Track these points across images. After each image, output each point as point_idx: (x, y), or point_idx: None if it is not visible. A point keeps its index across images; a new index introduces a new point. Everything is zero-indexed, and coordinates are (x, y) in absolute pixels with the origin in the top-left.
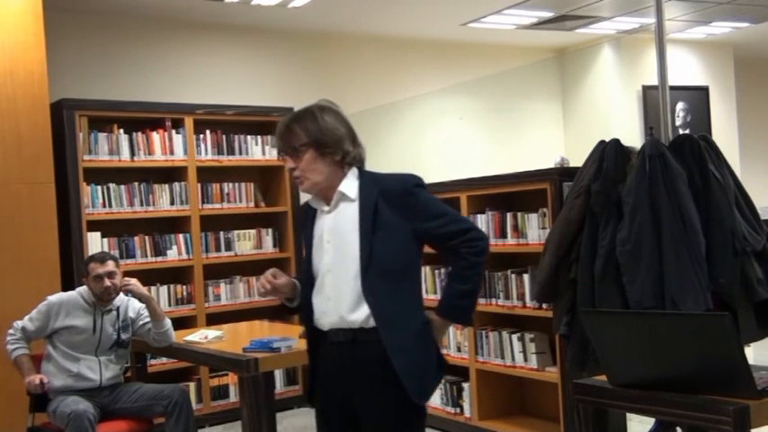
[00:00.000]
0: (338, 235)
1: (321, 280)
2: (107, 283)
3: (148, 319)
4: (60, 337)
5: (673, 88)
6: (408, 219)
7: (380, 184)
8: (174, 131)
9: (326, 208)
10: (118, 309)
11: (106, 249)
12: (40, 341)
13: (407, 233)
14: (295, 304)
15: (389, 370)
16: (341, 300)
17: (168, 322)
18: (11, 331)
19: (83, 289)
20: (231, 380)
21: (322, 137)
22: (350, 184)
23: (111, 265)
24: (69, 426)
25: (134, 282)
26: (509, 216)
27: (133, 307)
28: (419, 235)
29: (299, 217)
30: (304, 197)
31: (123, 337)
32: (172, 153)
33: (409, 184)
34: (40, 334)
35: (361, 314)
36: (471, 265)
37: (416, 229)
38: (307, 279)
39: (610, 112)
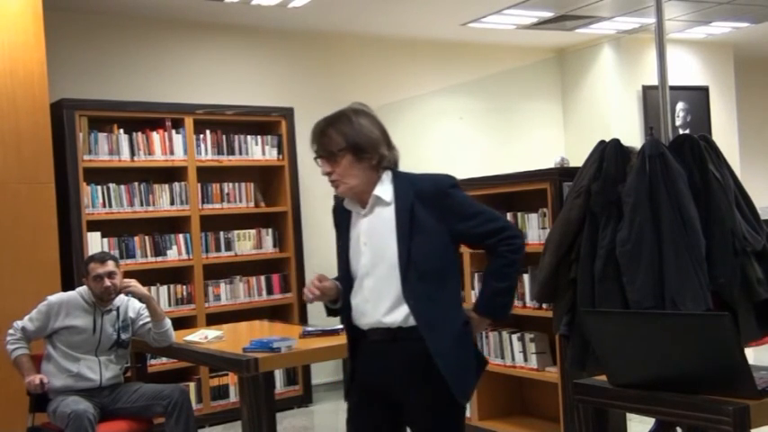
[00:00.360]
0: (375, 238)
1: (359, 282)
2: (107, 283)
3: (148, 319)
4: (60, 337)
5: (673, 88)
6: (444, 220)
7: (416, 186)
8: (174, 131)
9: (362, 211)
10: (118, 309)
11: (106, 249)
12: (40, 341)
13: (444, 234)
14: (338, 306)
15: (432, 368)
16: (379, 302)
17: (168, 322)
18: (11, 331)
19: (83, 289)
20: (231, 380)
21: (359, 141)
22: (385, 188)
23: (111, 266)
24: (69, 426)
25: (134, 282)
26: (509, 216)
27: (133, 307)
28: (455, 235)
29: (334, 213)
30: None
31: (123, 337)
32: (172, 153)
33: (444, 185)
34: (39, 334)
35: (399, 315)
36: (510, 262)
37: (453, 230)
38: (344, 280)
39: (610, 112)
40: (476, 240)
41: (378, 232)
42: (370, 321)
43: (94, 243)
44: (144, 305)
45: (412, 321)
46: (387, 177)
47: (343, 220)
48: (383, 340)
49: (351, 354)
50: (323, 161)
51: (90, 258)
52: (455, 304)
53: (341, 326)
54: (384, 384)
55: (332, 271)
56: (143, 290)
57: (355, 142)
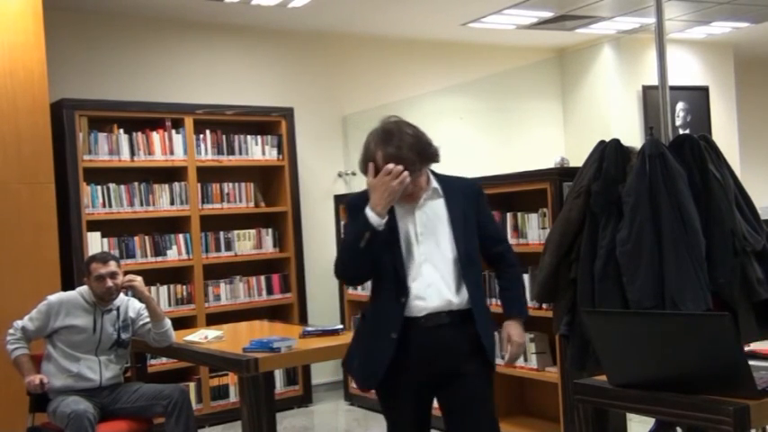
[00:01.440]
0: (430, 227)
1: (417, 270)
2: (109, 283)
3: (148, 319)
4: (60, 337)
5: (673, 88)
6: (476, 215)
7: (458, 183)
8: (174, 131)
9: (414, 203)
10: (118, 309)
11: (106, 249)
12: (40, 341)
13: (477, 228)
14: (382, 225)
15: (478, 343)
16: (442, 285)
17: (168, 322)
18: (11, 331)
19: (83, 289)
20: (231, 380)
21: (427, 151)
22: (436, 183)
23: (113, 266)
24: (69, 426)
25: (139, 279)
26: (509, 216)
27: (133, 307)
28: (480, 230)
29: (351, 208)
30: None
31: (123, 336)
32: (172, 153)
33: (479, 186)
34: (40, 334)
35: (459, 298)
36: (519, 270)
37: (477, 224)
38: (391, 269)
39: (610, 111)
40: (489, 241)
41: (432, 223)
42: (431, 305)
43: (94, 243)
44: (144, 305)
45: (466, 305)
46: (430, 174)
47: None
48: (446, 324)
49: (396, 345)
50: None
51: (92, 258)
52: (483, 289)
53: (341, 326)
54: (441, 365)
55: (331, 270)
56: (144, 289)
57: (424, 153)
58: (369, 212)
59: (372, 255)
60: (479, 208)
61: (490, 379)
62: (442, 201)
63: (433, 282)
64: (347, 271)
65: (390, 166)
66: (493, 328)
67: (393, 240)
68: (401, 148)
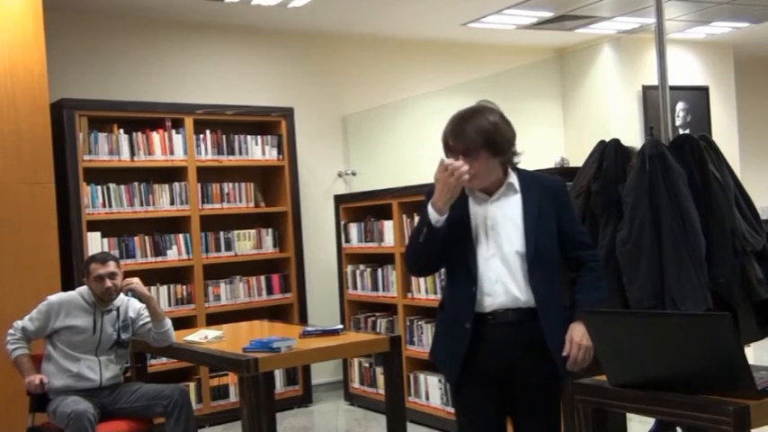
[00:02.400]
0: (503, 223)
1: (486, 264)
2: (108, 283)
3: (148, 319)
4: (60, 337)
5: (673, 88)
6: (557, 215)
7: (539, 181)
8: (174, 131)
9: (489, 198)
10: (118, 309)
11: (106, 249)
12: (40, 341)
13: (556, 227)
14: (440, 222)
15: (545, 347)
16: (509, 282)
17: (168, 322)
18: (11, 331)
19: (83, 289)
20: (231, 380)
21: (496, 140)
22: (514, 178)
23: (112, 266)
24: (69, 426)
25: (136, 281)
26: None
27: (133, 307)
28: (558, 231)
29: (426, 201)
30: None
31: (123, 337)
32: (172, 153)
33: (562, 184)
34: (40, 334)
35: (526, 296)
36: (601, 276)
37: (558, 225)
38: (461, 263)
39: (610, 112)
40: (569, 244)
41: (506, 218)
42: (497, 302)
43: (94, 243)
44: (144, 305)
45: (533, 304)
46: (512, 171)
47: (456, 204)
48: (511, 322)
49: (469, 340)
50: (462, 157)
51: (91, 259)
52: (560, 290)
53: (341, 326)
54: (508, 364)
55: (332, 270)
56: (144, 289)
57: (493, 140)
58: (429, 208)
59: (435, 248)
60: (560, 208)
61: (556, 387)
62: (518, 197)
63: (501, 278)
64: (410, 264)
65: (448, 161)
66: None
67: (464, 234)
68: (467, 128)
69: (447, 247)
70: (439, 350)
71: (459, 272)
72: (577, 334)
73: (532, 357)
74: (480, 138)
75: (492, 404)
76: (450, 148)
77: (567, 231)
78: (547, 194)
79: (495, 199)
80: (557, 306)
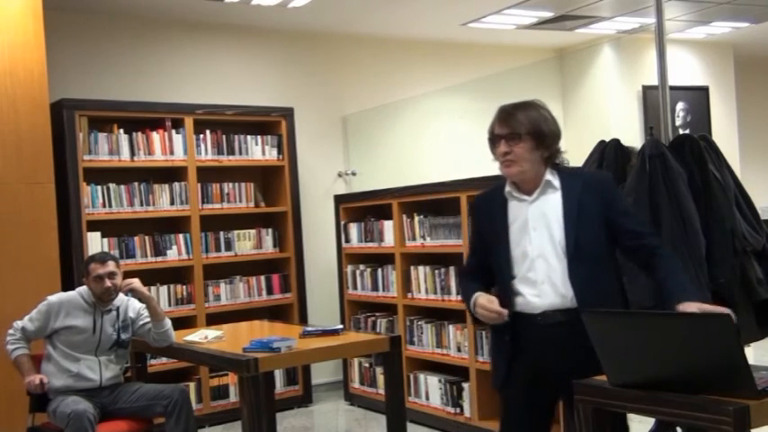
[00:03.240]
0: (544, 222)
1: (530, 264)
2: (108, 283)
3: (148, 319)
4: (60, 337)
5: (673, 88)
6: (604, 209)
7: (581, 176)
8: (173, 131)
9: (529, 198)
10: (118, 309)
11: (106, 249)
12: (40, 341)
13: (602, 222)
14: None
15: (591, 349)
16: (556, 282)
17: (168, 322)
18: (11, 331)
19: (83, 289)
20: (231, 380)
21: (543, 130)
22: (554, 176)
23: (111, 266)
24: (69, 426)
25: (136, 281)
26: None
27: (133, 307)
28: (609, 225)
29: (478, 208)
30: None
31: (123, 337)
32: (172, 153)
33: (609, 177)
34: (39, 334)
35: (571, 294)
36: (678, 260)
37: (608, 219)
38: (506, 266)
39: (610, 111)
40: (625, 235)
41: (547, 217)
42: (545, 302)
43: (94, 243)
44: (144, 305)
45: (575, 302)
46: (551, 169)
47: (491, 211)
48: (559, 323)
49: (511, 341)
50: (504, 142)
51: (90, 258)
52: (615, 288)
53: (341, 326)
54: (555, 365)
55: (332, 270)
56: (144, 289)
57: (539, 130)
58: (473, 303)
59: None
60: (606, 200)
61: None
62: (558, 194)
63: (547, 278)
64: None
65: (493, 306)
66: None
67: (504, 238)
68: (516, 113)
69: (491, 254)
70: (491, 354)
71: (499, 274)
72: (699, 306)
73: (582, 359)
74: (527, 123)
75: (535, 409)
76: (494, 138)
77: (619, 222)
78: (589, 188)
79: (534, 198)
80: (603, 303)
